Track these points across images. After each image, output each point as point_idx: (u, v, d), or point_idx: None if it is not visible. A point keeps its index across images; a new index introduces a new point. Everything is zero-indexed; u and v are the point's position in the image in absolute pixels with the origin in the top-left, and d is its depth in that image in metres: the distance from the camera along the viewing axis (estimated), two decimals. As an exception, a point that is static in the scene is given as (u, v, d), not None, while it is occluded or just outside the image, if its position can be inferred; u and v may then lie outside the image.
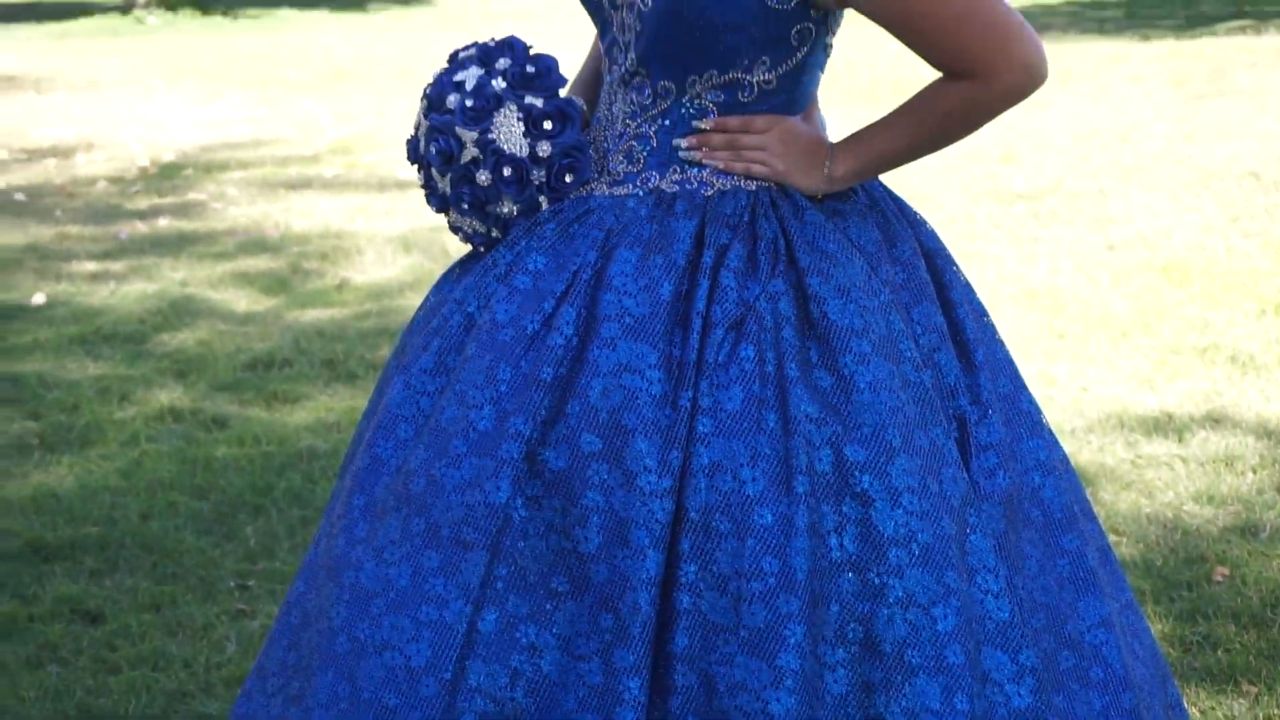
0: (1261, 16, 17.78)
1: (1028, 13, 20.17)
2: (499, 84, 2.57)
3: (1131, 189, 8.70)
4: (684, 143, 2.53)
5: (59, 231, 8.78)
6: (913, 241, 2.61)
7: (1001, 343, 2.64)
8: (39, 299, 7.32)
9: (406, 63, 17.29)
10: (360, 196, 9.53)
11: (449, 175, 2.59)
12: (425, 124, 2.62)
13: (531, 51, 2.62)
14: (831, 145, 2.56)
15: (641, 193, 2.53)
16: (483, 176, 2.55)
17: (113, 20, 22.60)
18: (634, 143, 2.55)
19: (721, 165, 2.52)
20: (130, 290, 7.46)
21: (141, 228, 8.86)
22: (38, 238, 8.64)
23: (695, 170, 2.53)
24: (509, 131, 2.55)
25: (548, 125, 2.55)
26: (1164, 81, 12.45)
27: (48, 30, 22.03)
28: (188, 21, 22.41)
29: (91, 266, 7.97)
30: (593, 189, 2.56)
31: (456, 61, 2.63)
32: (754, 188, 2.53)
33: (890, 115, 2.55)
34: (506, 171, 2.55)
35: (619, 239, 2.49)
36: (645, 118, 2.55)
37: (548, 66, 2.59)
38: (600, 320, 2.42)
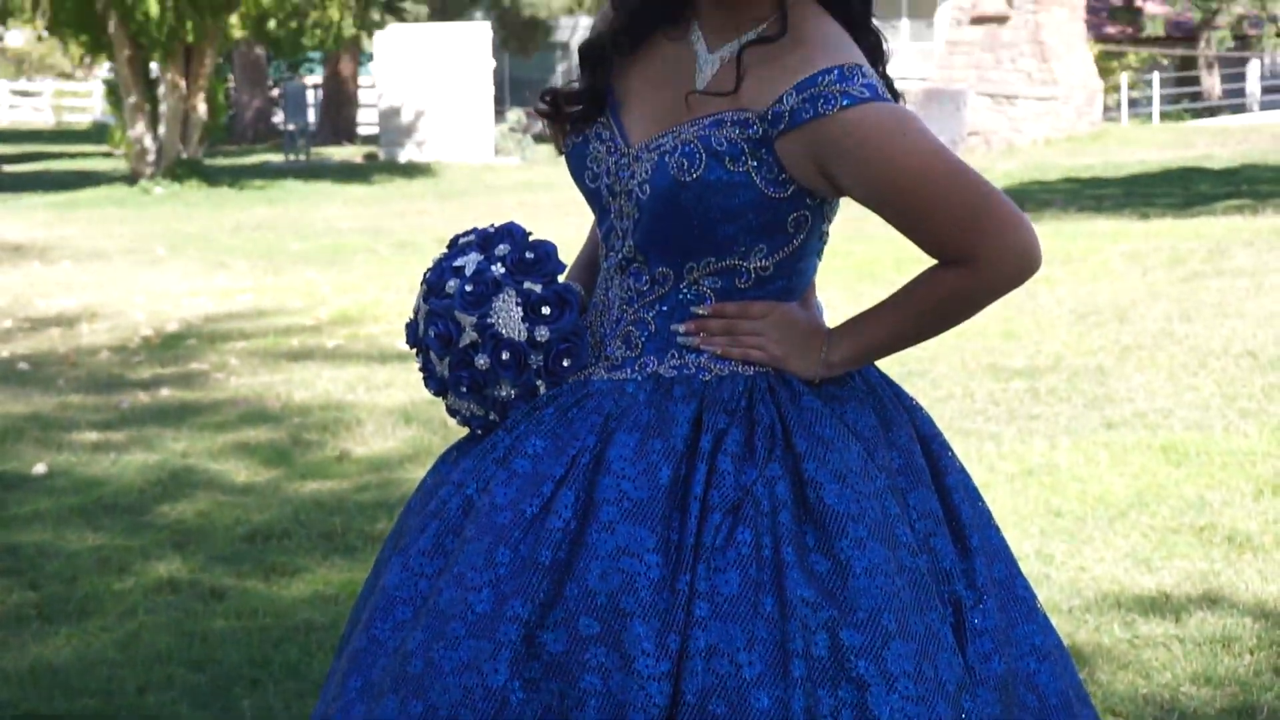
0: (1259, 196, 17.97)
1: (1026, 190, 20.38)
2: (498, 269, 2.60)
3: (1130, 368, 8.75)
4: (682, 328, 2.55)
5: (61, 401, 8.82)
6: (909, 427, 2.63)
7: (997, 528, 2.65)
8: (40, 469, 7.33)
9: (409, 234, 17.45)
10: (361, 368, 9.58)
11: (447, 359, 2.62)
12: (425, 308, 2.65)
13: (530, 238, 2.65)
14: (829, 331, 2.59)
15: (640, 377, 2.55)
16: (481, 360, 2.58)
17: (119, 190, 22.82)
18: (632, 328, 2.58)
19: (719, 351, 2.55)
20: (131, 460, 7.48)
21: (143, 398, 8.89)
22: (40, 407, 8.68)
23: (693, 356, 2.55)
24: (508, 316, 2.58)
25: (546, 310, 2.58)
26: (1162, 260, 12.55)
27: (54, 200, 22.25)
28: (193, 192, 22.62)
29: (93, 436, 7.99)
30: (591, 373, 2.59)
31: (456, 247, 2.67)
32: (751, 373, 2.55)
33: (887, 301, 2.58)
34: (505, 356, 2.57)
35: (618, 423, 2.51)
36: (643, 303, 2.57)
37: (546, 252, 2.63)
38: (599, 504, 2.44)
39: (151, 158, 23.70)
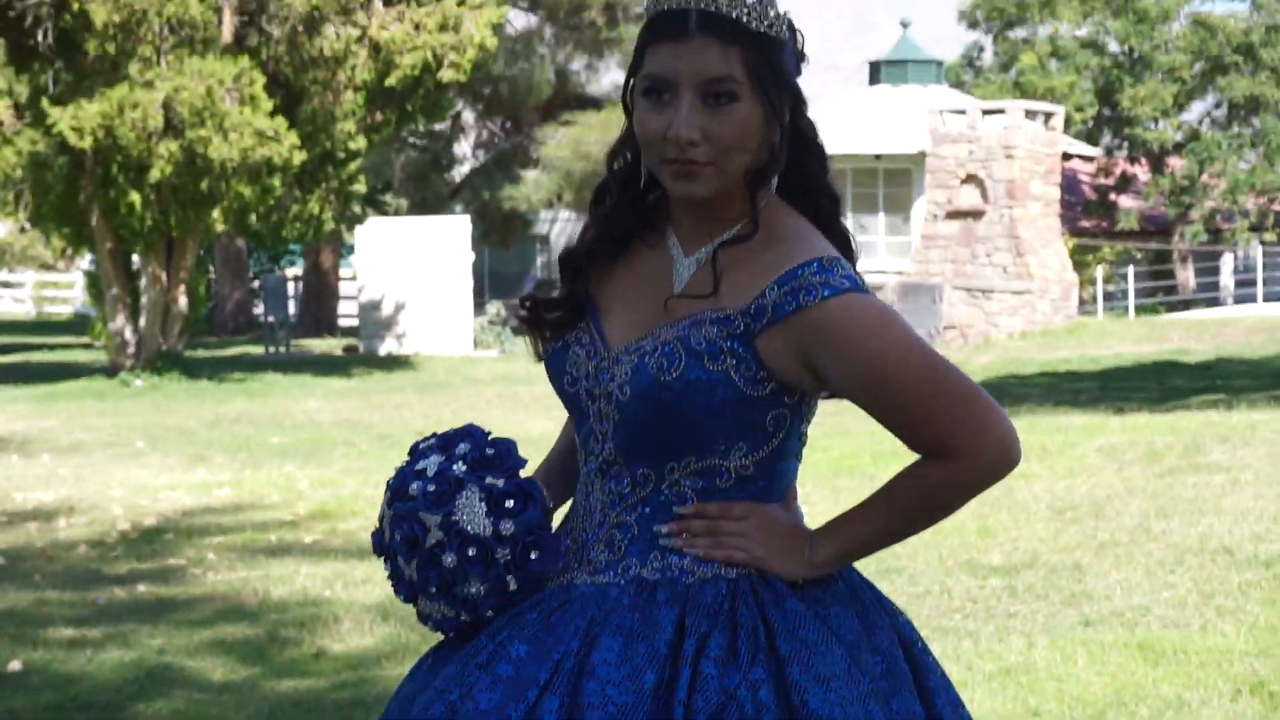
0: (1233, 391, 18.09)
1: (1003, 384, 20.51)
2: (459, 468, 2.64)
3: (1107, 564, 8.76)
4: (665, 529, 2.59)
5: (37, 597, 8.77)
6: (891, 632, 2.66)
7: (977, 733, 2.68)
8: (15, 666, 7.28)
9: (388, 427, 17.47)
10: (339, 563, 9.55)
11: (415, 561, 2.64)
12: (389, 513, 2.69)
13: (490, 436, 2.69)
14: (811, 532, 2.62)
15: (623, 581, 2.58)
16: (449, 559, 2.60)
17: (99, 382, 22.87)
18: (615, 531, 2.61)
19: (701, 554, 2.58)
20: (107, 658, 7.43)
21: (120, 593, 8.85)
22: (15, 603, 8.63)
23: (676, 558, 2.58)
24: (472, 512, 2.61)
25: (510, 504, 2.62)
26: (1139, 455, 12.61)
27: (34, 392, 22.28)
28: (173, 384, 22.66)
29: (69, 633, 7.95)
30: (573, 577, 2.61)
31: (418, 452, 2.72)
32: (734, 575, 2.57)
33: (868, 500, 2.62)
34: (471, 552, 2.60)
35: (601, 627, 2.53)
36: (624, 506, 2.61)
37: (506, 449, 2.67)
38: (584, 709, 2.46)
39: (132, 350, 23.79)
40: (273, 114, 20.75)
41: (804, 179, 2.66)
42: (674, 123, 2.53)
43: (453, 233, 32.36)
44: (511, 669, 2.52)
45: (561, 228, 45.21)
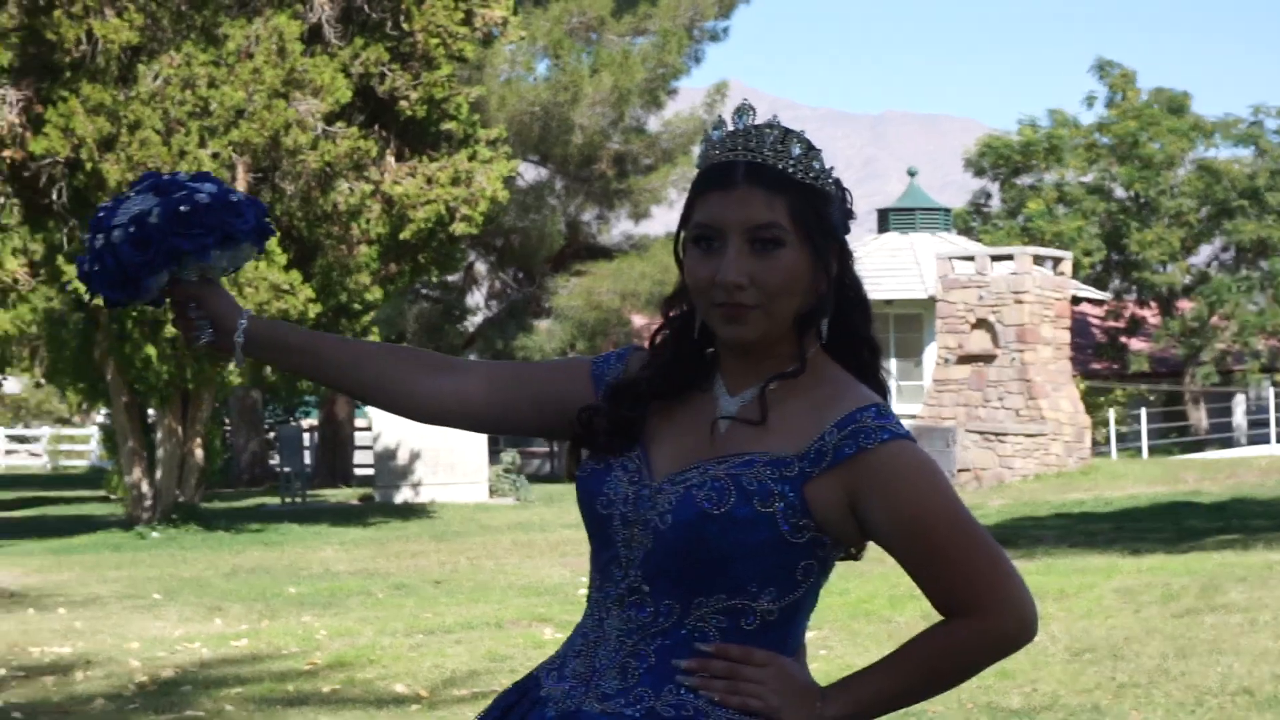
0: (1249, 531, 18.07)
1: (1018, 526, 20.49)
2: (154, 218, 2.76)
3: (1126, 706, 8.74)
4: (685, 664, 2.62)
5: (56, 750, 8.78)
6: None
7: None
8: (35, 819, 7.29)
9: (404, 576, 17.48)
10: (358, 712, 9.55)
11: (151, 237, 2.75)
12: (104, 240, 2.77)
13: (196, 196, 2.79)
14: (822, 689, 2.66)
15: (637, 713, 2.62)
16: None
17: (116, 535, 22.89)
18: (630, 659, 2.64)
19: (718, 698, 2.61)
20: (127, 810, 7.43)
21: (139, 746, 8.86)
22: (35, 756, 8.64)
23: (691, 696, 2.61)
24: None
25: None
26: (1156, 596, 12.60)
27: (50, 545, 22.32)
28: (190, 536, 22.69)
29: (88, 786, 7.95)
30: (580, 704, 2.65)
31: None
32: None
33: (883, 659, 2.67)
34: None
35: None
36: (643, 635, 2.65)
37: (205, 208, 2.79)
38: None
39: (148, 503, 23.85)
40: (287, 268, 20.94)
41: (848, 331, 2.73)
42: (722, 268, 2.61)
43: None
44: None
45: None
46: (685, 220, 2.69)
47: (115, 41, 20.44)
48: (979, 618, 2.59)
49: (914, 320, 28.93)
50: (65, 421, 51.98)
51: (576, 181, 39.34)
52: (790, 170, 2.64)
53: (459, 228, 22.96)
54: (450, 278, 37.57)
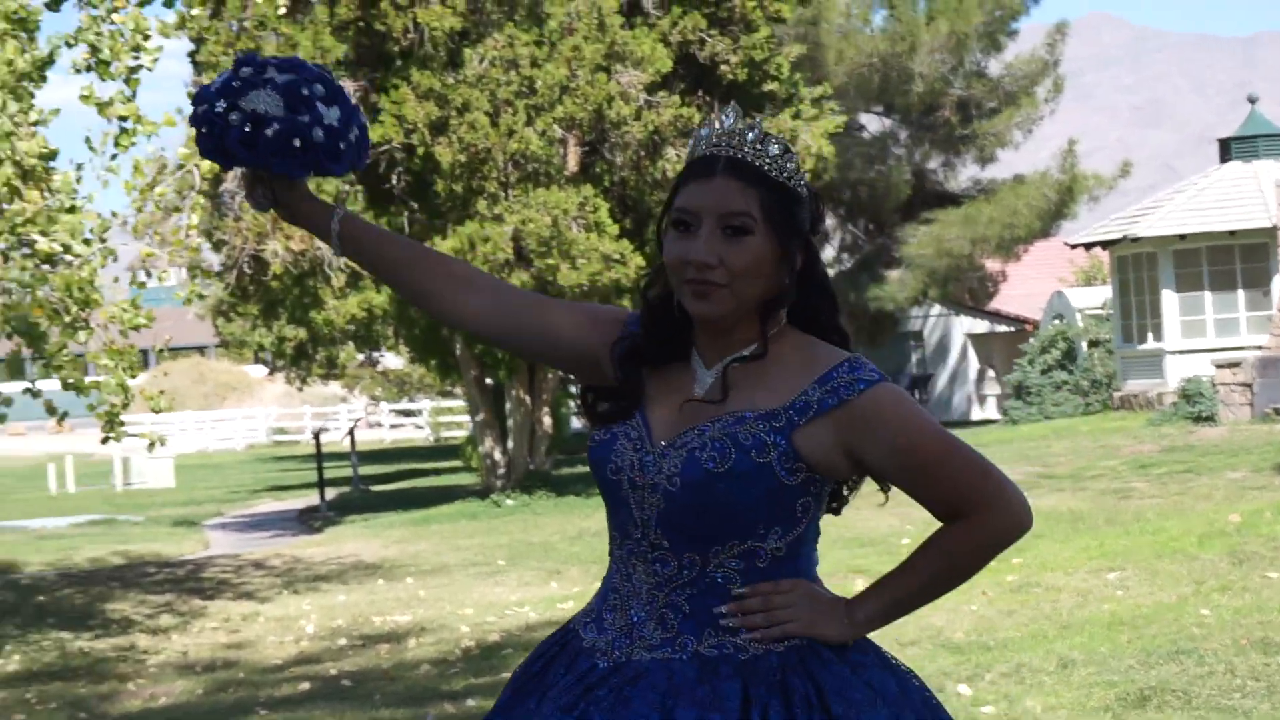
0: None
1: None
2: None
3: None
4: (725, 609, 2.92)
5: (372, 716, 9.27)
6: (921, 691, 2.99)
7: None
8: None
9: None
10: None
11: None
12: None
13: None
14: (846, 600, 2.97)
15: (684, 656, 2.91)
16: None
17: (473, 505, 23.67)
18: (666, 610, 2.94)
19: (758, 637, 2.90)
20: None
21: (450, 709, 9.30)
22: (351, 723, 9.15)
23: (730, 635, 2.91)
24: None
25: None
26: None
27: (412, 517, 23.21)
28: (541, 502, 23.35)
29: (393, 749, 8.42)
30: (630, 653, 2.94)
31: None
32: (782, 649, 2.91)
33: (899, 565, 2.98)
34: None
35: (675, 700, 2.86)
36: (672, 587, 2.94)
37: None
38: None
39: (502, 471, 24.64)
40: (619, 237, 21.43)
41: (817, 321, 3.01)
42: (695, 248, 2.90)
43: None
44: (595, 740, 2.87)
45: (934, 323, 45.24)
46: (668, 206, 2.98)
47: (439, 28, 21.19)
48: (978, 517, 2.90)
49: (1260, 250, 28.19)
50: (447, 393, 53.62)
51: (920, 129, 39.16)
52: (765, 167, 2.92)
53: (786, 186, 23.10)
54: (800, 233, 37.77)
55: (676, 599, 2.93)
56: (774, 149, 2.94)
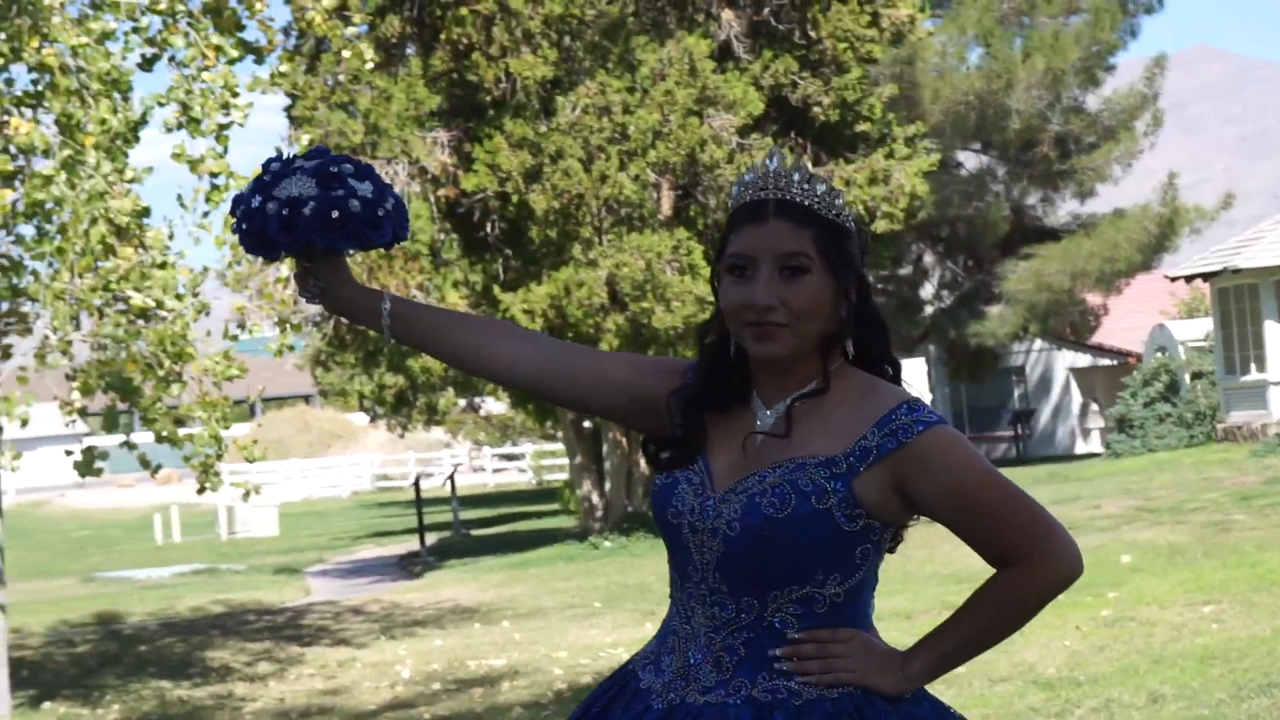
0: None
1: None
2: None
3: None
4: (780, 652, 2.95)
5: (456, 762, 9.40)
6: None
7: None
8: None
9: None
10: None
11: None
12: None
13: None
14: (901, 652, 2.99)
15: (737, 700, 2.95)
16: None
17: (571, 548, 23.75)
18: (722, 653, 2.98)
19: (814, 681, 2.94)
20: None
21: (535, 751, 9.41)
22: (440, 766, 9.25)
23: (784, 680, 2.95)
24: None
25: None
26: None
27: (510, 560, 23.33)
28: (639, 543, 23.40)
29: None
30: (684, 696, 2.99)
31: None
32: (836, 695, 2.95)
33: (952, 616, 3.00)
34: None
35: None
36: (729, 630, 2.98)
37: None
38: None
39: (599, 513, 24.73)
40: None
41: (869, 350, 3.05)
42: (754, 292, 2.94)
43: (911, 374, 32.55)
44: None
45: (1036, 358, 45.03)
46: (720, 253, 3.03)
47: (531, 77, 21.40)
48: (1028, 565, 2.92)
49: None
50: (549, 437, 53.81)
51: (1018, 165, 38.98)
52: (815, 206, 2.97)
53: (880, 225, 23.18)
54: (901, 271, 37.70)
55: (733, 642, 2.96)
56: (820, 188, 2.98)
